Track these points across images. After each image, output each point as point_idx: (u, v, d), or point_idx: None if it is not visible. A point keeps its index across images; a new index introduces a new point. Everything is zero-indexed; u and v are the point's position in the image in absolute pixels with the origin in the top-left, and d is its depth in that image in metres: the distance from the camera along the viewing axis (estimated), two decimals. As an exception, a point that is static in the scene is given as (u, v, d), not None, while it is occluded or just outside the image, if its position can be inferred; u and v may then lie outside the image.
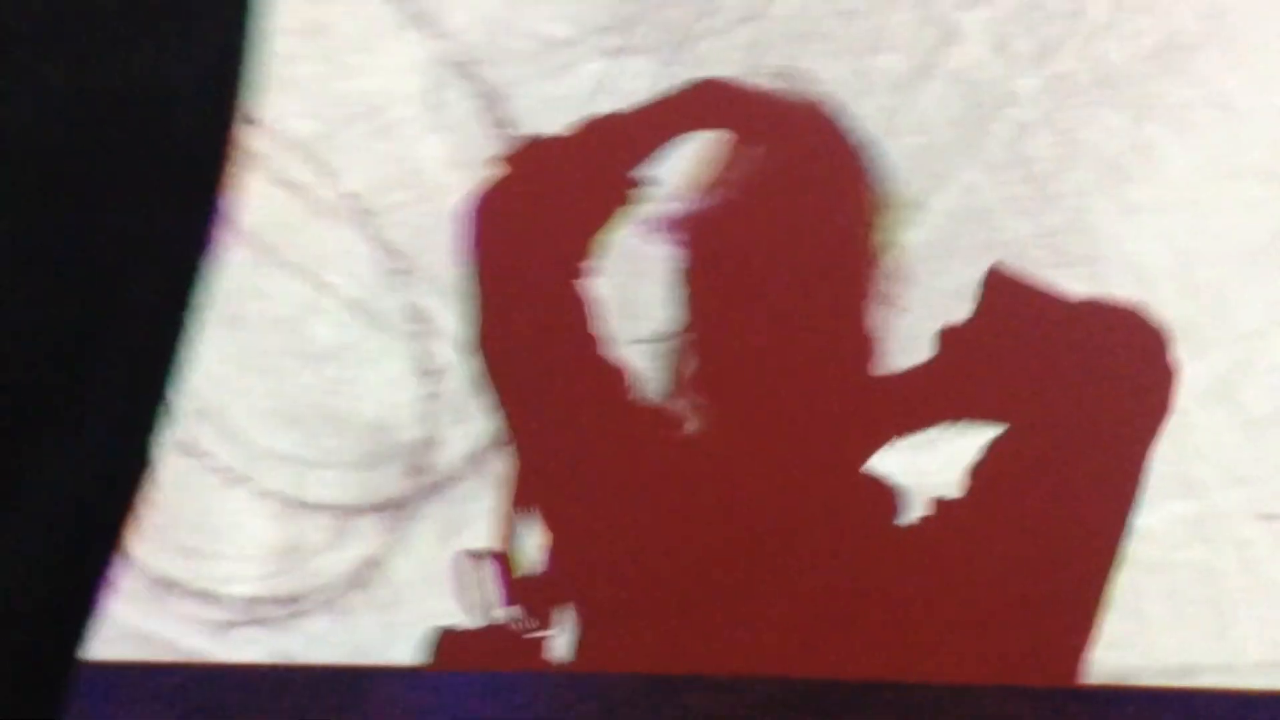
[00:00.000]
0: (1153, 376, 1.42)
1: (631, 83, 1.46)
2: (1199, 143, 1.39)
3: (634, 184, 1.48)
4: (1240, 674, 1.44)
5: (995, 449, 1.44)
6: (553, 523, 1.54)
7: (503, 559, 1.54)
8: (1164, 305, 1.42)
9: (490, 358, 1.54)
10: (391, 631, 1.61)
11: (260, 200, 1.54)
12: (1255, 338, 1.41)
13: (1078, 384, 1.45)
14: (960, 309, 1.43)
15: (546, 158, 1.48)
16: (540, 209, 1.50)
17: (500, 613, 1.55)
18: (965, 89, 1.41)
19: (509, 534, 1.54)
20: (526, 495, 1.54)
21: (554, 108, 1.48)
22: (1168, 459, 1.43)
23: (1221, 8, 1.37)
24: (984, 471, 1.45)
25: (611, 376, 1.52)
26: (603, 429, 1.52)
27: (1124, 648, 1.46)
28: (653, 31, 1.44)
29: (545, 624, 1.55)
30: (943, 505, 1.45)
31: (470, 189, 1.49)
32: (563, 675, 1.55)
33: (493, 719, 1.60)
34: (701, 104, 1.45)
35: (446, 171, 1.51)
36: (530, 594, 1.54)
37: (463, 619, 1.56)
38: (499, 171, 1.50)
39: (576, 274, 1.49)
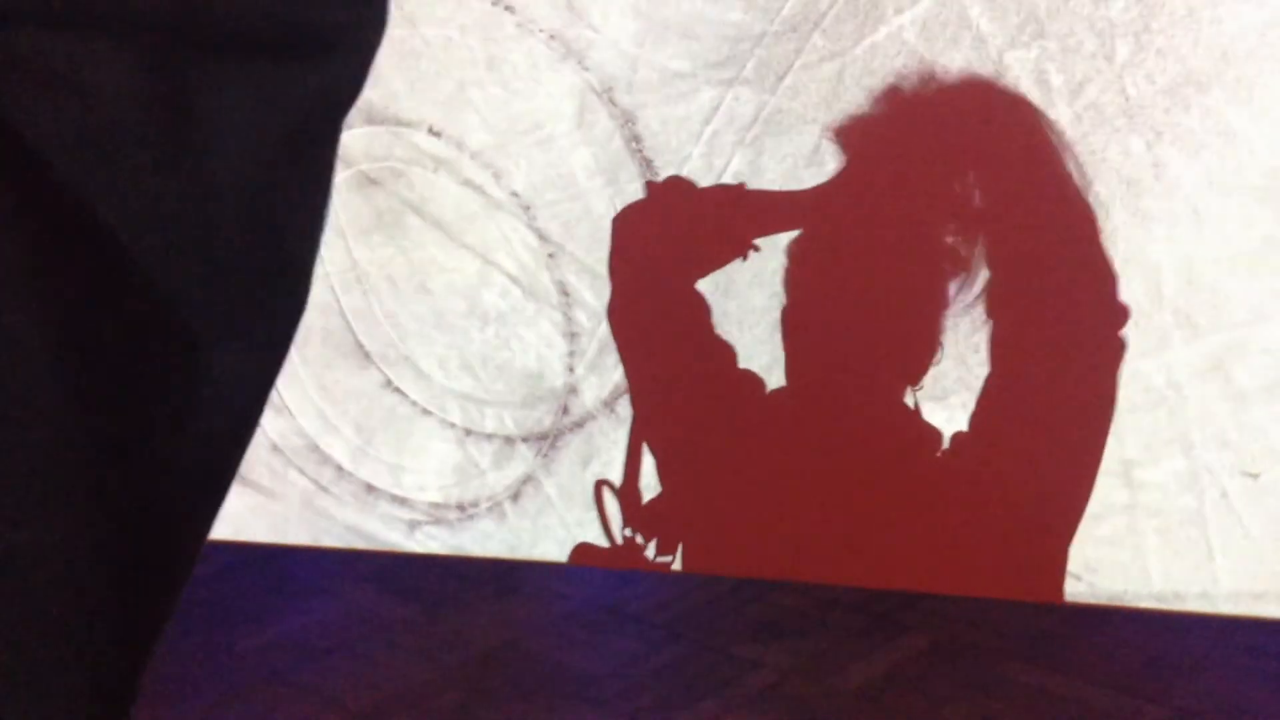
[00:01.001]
0: (1107, 340, 1.70)
1: (739, 107, 1.80)
2: (1204, 164, 1.63)
3: (751, 247, 1.83)
4: (1216, 601, 1.75)
5: (995, 400, 1.77)
6: (665, 458, 1.92)
7: (627, 489, 1.94)
8: (1169, 298, 1.67)
9: (619, 328, 1.91)
10: (540, 534, 2.05)
11: (447, 195, 1.95)
12: (1245, 327, 1.65)
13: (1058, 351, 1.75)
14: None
15: (684, 196, 1.82)
16: (666, 235, 1.85)
17: (623, 532, 1.96)
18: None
19: (633, 469, 1.93)
20: (642, 436, 1.92)
21: (675, 128, 1.83)
22: (1166, 425, 1.70)
23: (1229, 52, 1.59)
24: (988, 418, 1.78)
25: (715, 348, 1.87)
26: (707, 387, 1.90)
27: (1124, 576, 1.77)
28: (757, 66, 1.78)
29: (659, 542, 1.95)
30: (959, 439, 1.79)
31: (608, 191, 1.88)
32: (670, 574, 1.96)
33: (616, 606, 2.00)
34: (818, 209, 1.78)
35: (590, 177, 1.87)
36: (647, 518, 1.93)
37: (596, 534, 1.98)
38: (644, 196, 1.86)
39: (694, 280, 1.85)
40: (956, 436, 1.79)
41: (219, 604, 2.05)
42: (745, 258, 1.80)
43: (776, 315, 1.84)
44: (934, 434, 1.80)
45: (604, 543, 1.95)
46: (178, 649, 1.89)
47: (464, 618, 2.03)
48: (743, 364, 1.86)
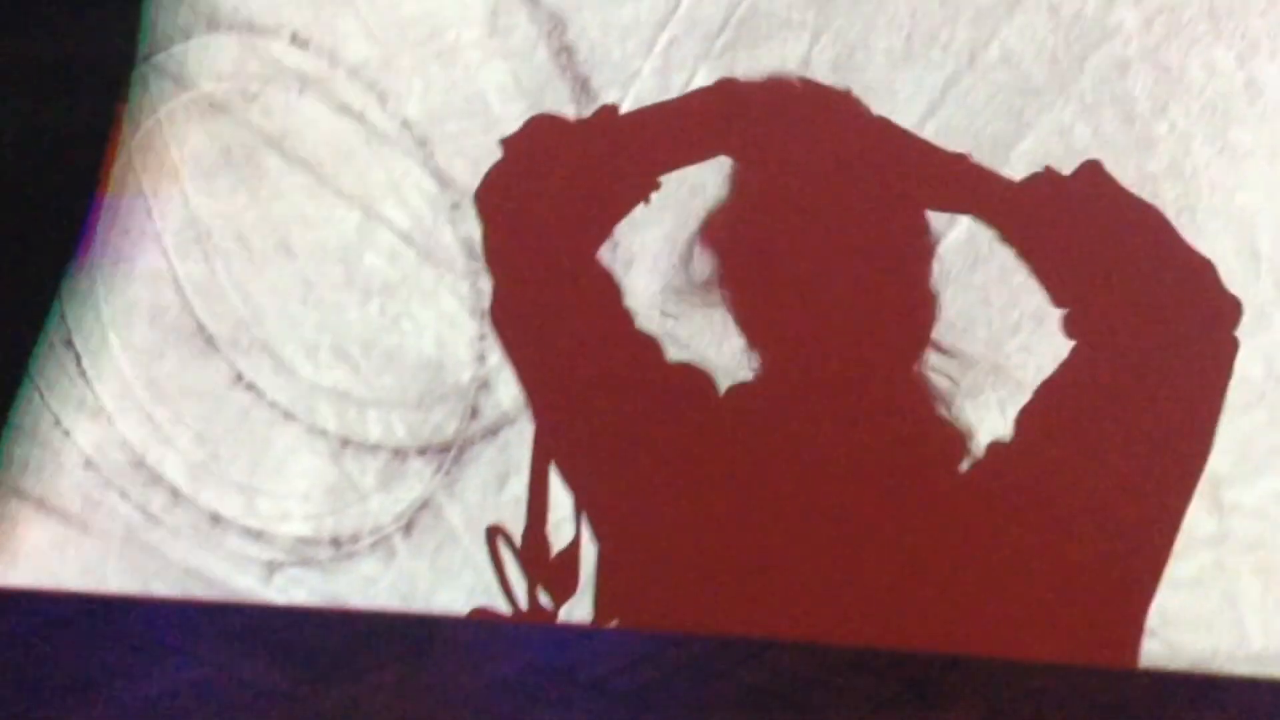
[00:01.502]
0: (1216, 345, 1.51)
1: (703, 8, 1.57)
2: (1317, 83, 1.45)
3: (652, 184, 1.60)
4: (1335, 664, 1.54)
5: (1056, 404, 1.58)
6: (588, 494, 1.69)
7: (531, 536, 1.69)
8: (1267, 260, 1.49)
9: (507, 331, 1.68)
10: (441, 578, 1.80)
11: (316, 126, 1.72)
12: None
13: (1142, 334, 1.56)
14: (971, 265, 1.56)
15: (566, 141, 1.62)
16: (558, 191, 1.63)
17: (528, 594, 1.73)
18: (1059, 21, 1.49)
19: (539, 509, 1.68)
20: (548, 469, 1.68)
21: (619, 36, 1.61)
22: (1267, 429, 1.51)
23: None
24: (1045, 425, 1.58)
25: (632, 345, 1.66)
26: (636, 392, 1.67)
27: (1213, 632, 1.56)
28: (723, -44, 1.57)
29: (567, 599, 1.72)
30: (1000, 450, 1.59)
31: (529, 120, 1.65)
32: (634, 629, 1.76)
33: (564, 669, 1.84)
34: (722, 102, 1.58)
35: (506, 102, 1.65)
36: (559, 572, 1.70)
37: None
38: (514, 148, 1.62)
39: (595, 248, 1.64)
40: (995, 447, 1.58)
41: (40, 668, 1.91)
42: (648, 201, 1.60)
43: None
44: (956, 436, 1.60)
45: (504, 607, 1.74)
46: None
47: (360, 687, 1.88)
48: (678, 354, 1.66)
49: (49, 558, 1.94)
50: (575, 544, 1.70)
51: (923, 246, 1.60)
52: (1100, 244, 1.53)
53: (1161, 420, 1.54)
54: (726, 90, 1.61)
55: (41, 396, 1.89)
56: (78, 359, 1.87)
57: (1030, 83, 1.51)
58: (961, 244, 1.58)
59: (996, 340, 1.58)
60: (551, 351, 1.69)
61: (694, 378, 1.67)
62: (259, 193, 1.77)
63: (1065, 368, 1.54)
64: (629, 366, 1.67)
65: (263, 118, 1.74)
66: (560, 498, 1.67)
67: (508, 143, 1.62)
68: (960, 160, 1.57)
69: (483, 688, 1.87)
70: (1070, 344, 1.53)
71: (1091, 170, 1.52)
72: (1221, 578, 1.55)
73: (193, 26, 1.73)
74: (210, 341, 1.82)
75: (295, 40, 1.71)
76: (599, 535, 1.69)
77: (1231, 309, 1.48)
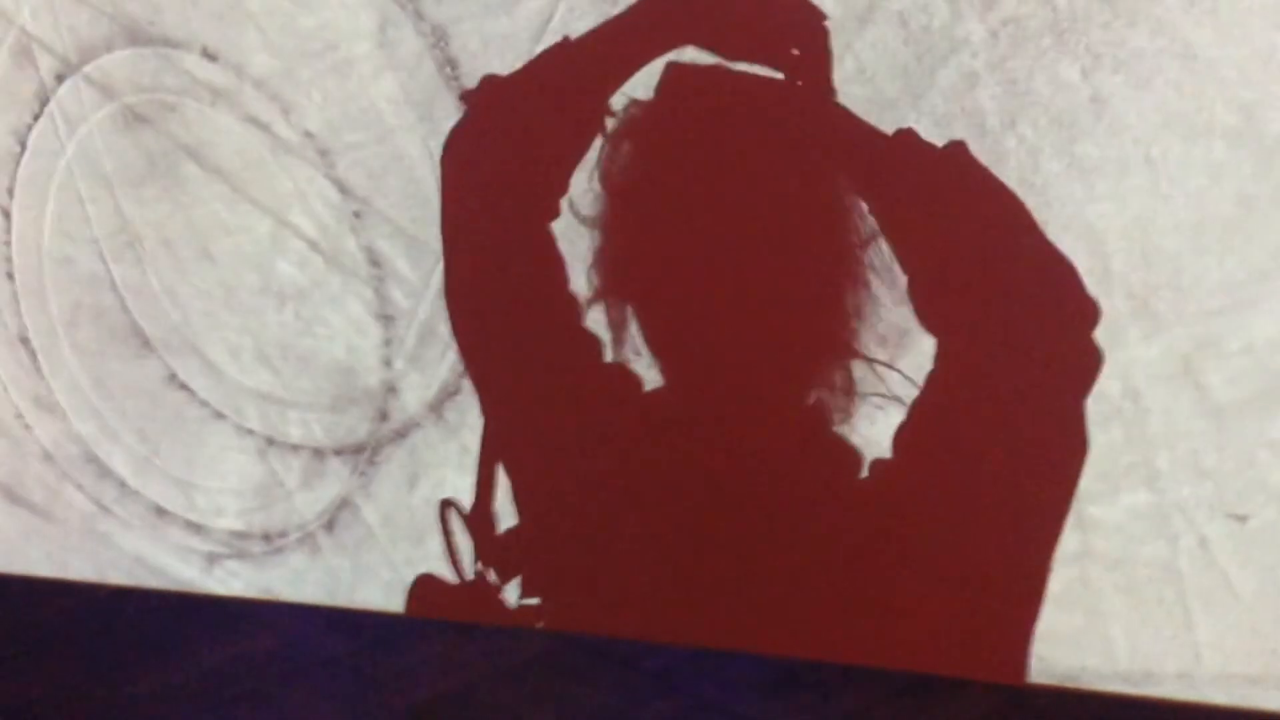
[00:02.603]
0: (1077, 347, 1.82)
1: (575, 21, 1.95)
2: (1158, 97, 1.72)
3: (605, 111, 1.97)
4: (1199, 685, 1.89)
5: (932, 420, 1.92)
6: (521, 479, 2.11)
7: (478, 513, 2.13)
8: (1119, 276, 1.78)
9: (459, 312, 2.10)
10: (362, 574, 2.32)
11: (228, 136, 2.16)
12: (1220, 315, 1.75)
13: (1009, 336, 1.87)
14: (900, 271, 1.92)
15: (510, 95, 2.00)
16: (509, 149, 2.01)
17: (474, 567, 2.20)
18: (909, 33, 1.80)
19: (485, 488, 2.12)
20: (495, 451, 2.12)
21: (498, 48, 1.98)
22: (1125, 447, 1.82)
23: None
24: (917, 433, 1.92)
25: (579, 336, 2.03)
26: (569, 387, 2.05)
27: (1080, 649, 1.91)
28: (593, -33, 1.97)
29: (521, 583, 2.15)
30: (882, 468, 1.95)
31: (421, 130, 2.10)
32: (524, 630, 2.20)
33: (596, 648, 2.23)
34: (665, 17, 1.92)
35: (398, 112, 2.05)
36: (500, 549, 2.13)
37: (431, 567, 2.24)
38: (462, 115, 2.04)
39: (550, 214, 2.01)
40: (878, 465, 1.95)
41: (113, 635, 2.43)
42: (604, 130, 1.96)
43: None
44: (852, 454, 1.99)
45: (451, 576, 2.18)
46: (58, 693, 2.30)
47: (410, 658, 2.35)
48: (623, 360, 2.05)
49: (18, 545, 2.52)
50: (521, 525, 2.10)
51: (840, 271, 1.92)
52: (958, 224, 1.84)
53: (1030, 426, 1.87)
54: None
55: (5, 390, 2.48)
56: (33, 355, 2.41)
57: (884, 95, 1.83)
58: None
59: (867, 351, 1.97)
60: (495, 331, 2.10)
61: (624, 378, 2.04)
62: (181, 200, 2.21)
63: (931, 383, 1.88)
64: (567, 358, 2.06)
65: (181, 128, 2.17)
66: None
67: (466, 97, 2.01)
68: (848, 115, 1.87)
69: (522, 661, 2.27)
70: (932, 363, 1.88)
71: (958, 149, 1.82)
72: (1086, 594, 1.89)
73: (115, 39, 2.18)
74: (146, 342, 2.30)
75: (205, 54, 2.13)
76: (525, 514, 2.10)
77: (1091, 310, 1.79)
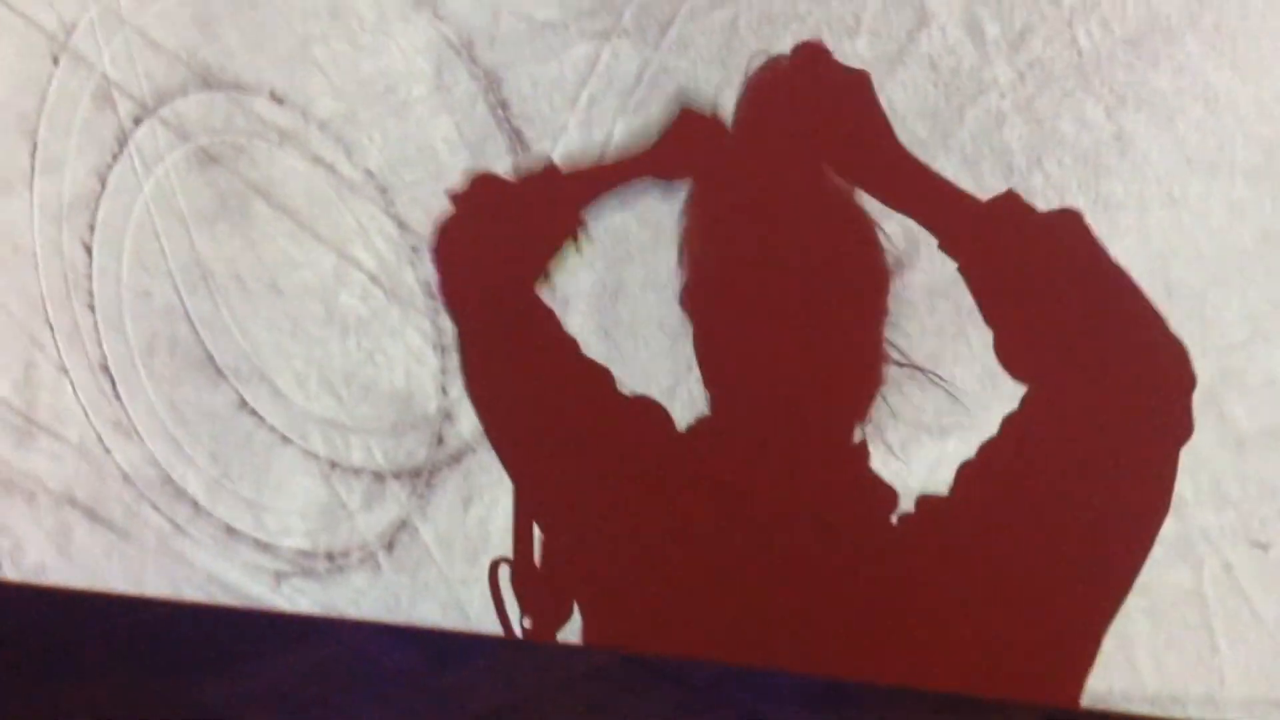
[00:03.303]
0: (1174, 392, 1.78)
1: (619, 66, 1.99)
2: (1179, 136, 1.71)
3: (578, 222, 2.01)
4: (1224, 708, 1.86)
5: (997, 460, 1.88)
6: (554, 527, 2.11)
7: (519, 568, 2.12)
8: None
9: (466, 370, 2.14)
10: (420, 592, 2.33)
11: (295, 175, 2.20)
12: (1242, 349, 1.74)
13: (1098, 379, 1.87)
14: (930, 305, 1.91)
15: (501, 195, 2.06)
16: (494, 238, 2.06)
17: (522, 623, 2.13)
18: (939, 75, 1.81)
19: (524, 543, 2.11)
20: (527, 505, 2.11)
21: (546, 91, 2.01)
22: None
23: None
24: (986, 473, 1.92)
25: (587, 367, 2.05)
26: (589, 422, 2.05)
27: (1109, 671, 1.87)
28: (636, 14, 1.97)
29: (556, 623, 2.12)
30: (933, 505, 1.95)
31: (475, 169, 2.12)
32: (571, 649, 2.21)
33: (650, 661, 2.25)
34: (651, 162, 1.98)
35: (453, 152, 2.08)
36: (547, 601, 2.12)
37: (483, 592, 2.23)
38: (453, 206, 2.06)
39: (532, 290, 2.05)
40: (925, 501, 1.93)
41: (177, 646, 2.48)
42: (576, 238, 2.01)
43: (677, 323, 2.05)
44: (889, 492, 1.96)
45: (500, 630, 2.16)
46: (135, 702, 2.35)
47: (468, 672, 2.40)
48: (639, 385, 2.07)
49: (99, 562, 2.57)
50: (561, 574, 2.10)
51: (879, 305, 1.92)
52: (1064, 289, 1.81)
53: (1113, 482, 1.83)
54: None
55: (87, 416, 2.52)
56: (113, 383, 2.46)
57: (915, 136, 1.82)
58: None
59: (897, 381, 1.96)
60: (509, 388, 2.11)
61: (650, 410, 2.05)
62: (250, 236, 2.24)
63: (1010, 425, 1.84)
64: (582, 394, 2.05)
65: (250, 168, 2.21)
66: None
67: (454, 196, 2.06)
68: (924, 169, 1.85)
69: (577, 676, 2.30)
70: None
71: (1068, 216, 1.80)
72: (1116, 620, 1.90)
73: (189, 84, 2.23)
74: (218, 371, 2.34)
75: (274, 97, 2.16)
76: (566, 564, 2.10)
77: (1189, 382, 1.77)
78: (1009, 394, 1.85)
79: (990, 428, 1.87)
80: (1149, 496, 1.84)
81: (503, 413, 2.13)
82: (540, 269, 2.05)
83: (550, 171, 2.05)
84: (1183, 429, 1.79)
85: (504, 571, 2.14)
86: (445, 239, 2.11)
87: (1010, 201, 1.82)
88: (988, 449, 1.87)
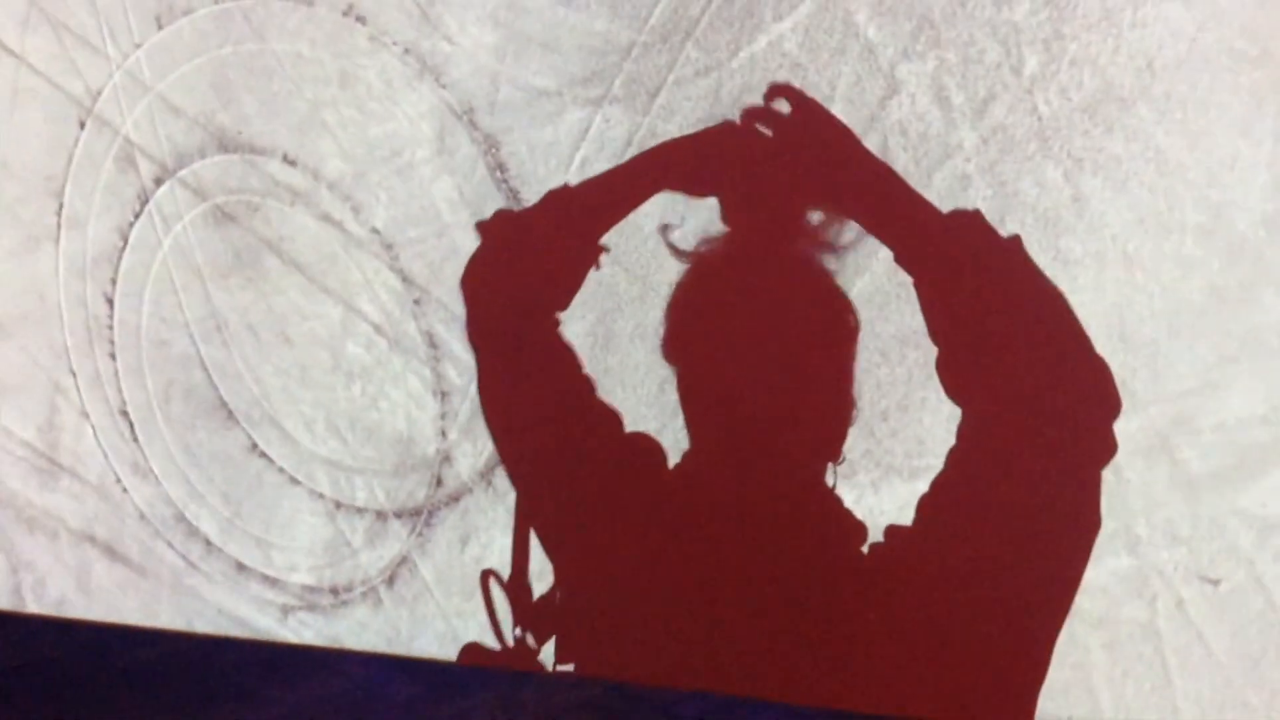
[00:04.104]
0: (1099, 414, 1.82)
1: (610, 130, 2.03)
2: (1133, 198, 1.75)
3: (599, 249, 2.05)
4: (1178, 734, 1.88)
5: (952, 496, 1.93)
6: (551, 546, 2.13)
7: (515, 582, 2.14)
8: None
9: (486, 399, 2.16)
10: (419, 625, 2.34)
11: (305, 232, 2.25)
12: (1193, 396, 1.76)
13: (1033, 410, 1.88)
14: (900, 354, 1.94)
15: (521, 227, 2.08)
16: (517, 272, 2.08)
17: (514, 633, 2.19)
18: (909, 139, 1.84)
19: (521, 558, 2.14)
20: (527, 521, 2.13)
21: (543, 154, 2.04)
22: (1107, 515, 1.81)
23: (1155, 62, 1.70)
24: (938, 504, 1.93)
25: (598, 409, 2.08)
26: (592, 458, 2.07)
27: (1069, 699, 1.91)
28: (626, 82, 2.01)
29: (547, 640, 2.13)
30: (898, 535, 1.96)
31: (475, 228, 2.15)
32: (562, 677, 2.21)
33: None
34: (650, 171, 2.00)
35: (454, 211, 2.11)
36: (536, 614, 2.14)
37: (481, 626, 2.25)
38: (481, 241, 2.10)
39: (554, 323, 2.08)
40: (895, 530, 1.95)
41: (183, 683, 2.46)
42: (598, 265, 2.04)
43: (664, 371, 2.07)
44: (859, 525, 1.99)
45: (493, 643, 2.19)
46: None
47: (466, 702, 2.35)
48: (629, 429, 2.09)
49: (116, 597, 2.57)
50: (554, 590, 2.12)
51: (848, 351, 1.96)
52: (1004, 309, 1.84)
53: (1047, 503, 1.86)
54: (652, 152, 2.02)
55: (106, 458, 2.54)
56: (131, 427, 2.49)
57: None
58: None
59: (869, 425, 1.99)
60: (523, 419, 2.14)
61: (647, 446, 2.07)
62: (262, 289, 2.26)
63: (954, 457, 1.88)
64: (590, 432, 2.09)
65: (263, 225, 2.24)
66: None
67: (481, 229, 2.09)
68: (879, 166, 1.88)
69: (571, 705, 2.25)
70: (953, 442, 1.87)
71: (1014, 242, 1.83)
72: (1073, 650, 1.88)
73: (207, 147, 2.27)
74: (230, 415, 2.36)
75: (286, 160, 2.19)
76: (559, 584, 2.11)
77: (1115, 405, 1.80)
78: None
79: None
80: (1079, 512, 1.87)
81: (518, 440, 2.16)
82: (563, 301, 2.08)
83: (566, 198, 2.07)
84: (1106, 450, 1.83)
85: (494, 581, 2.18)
86: (471, 273, 2.13)
87: (963, 219, 1.86)
88: (937, 482, 1.91)
